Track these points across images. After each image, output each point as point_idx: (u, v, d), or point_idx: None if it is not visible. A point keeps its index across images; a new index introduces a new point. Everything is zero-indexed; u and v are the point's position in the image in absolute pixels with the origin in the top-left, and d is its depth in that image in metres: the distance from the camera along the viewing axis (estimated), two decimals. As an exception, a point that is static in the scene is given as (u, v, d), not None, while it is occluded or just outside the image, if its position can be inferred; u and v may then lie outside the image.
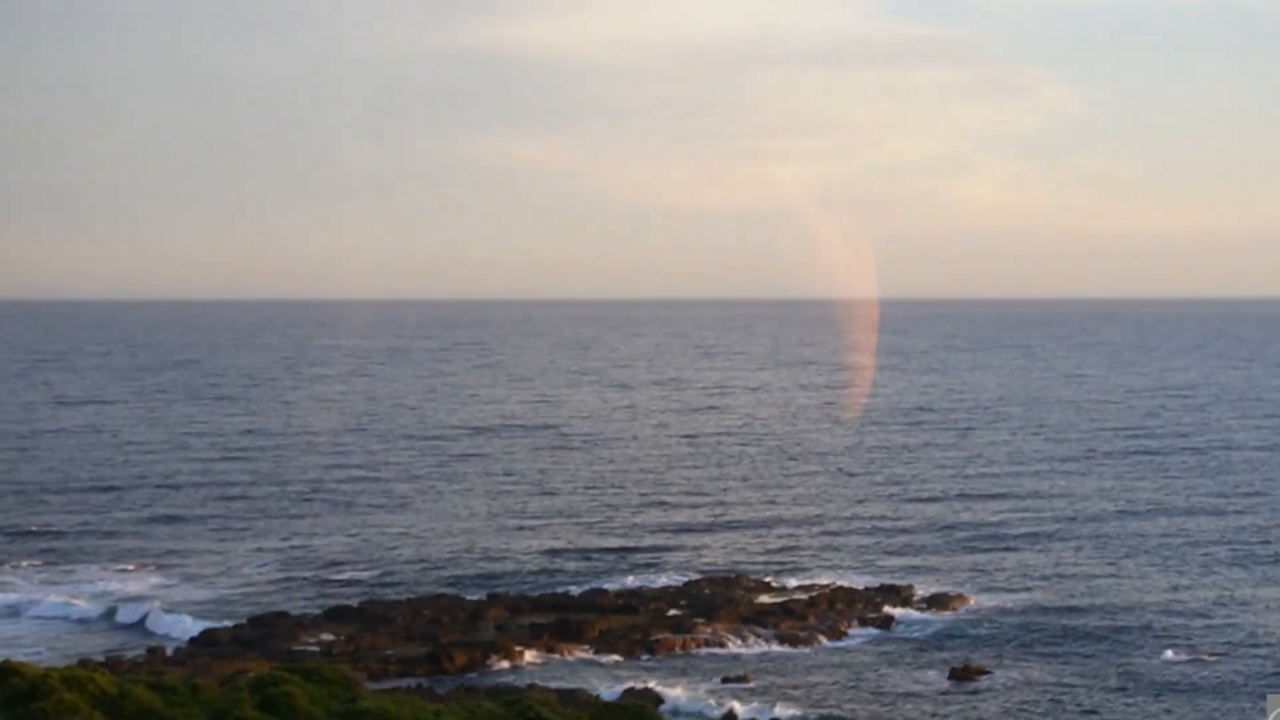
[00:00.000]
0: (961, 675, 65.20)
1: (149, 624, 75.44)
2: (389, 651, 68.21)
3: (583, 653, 69.55)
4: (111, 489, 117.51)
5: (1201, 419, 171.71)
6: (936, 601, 78.09)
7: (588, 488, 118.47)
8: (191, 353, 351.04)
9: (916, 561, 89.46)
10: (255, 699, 31.24)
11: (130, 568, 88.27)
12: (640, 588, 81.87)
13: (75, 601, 79.73)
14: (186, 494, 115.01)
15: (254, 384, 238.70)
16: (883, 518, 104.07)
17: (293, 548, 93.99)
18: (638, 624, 73.15)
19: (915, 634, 72.88)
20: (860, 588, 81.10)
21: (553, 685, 62.27)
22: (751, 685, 63.93)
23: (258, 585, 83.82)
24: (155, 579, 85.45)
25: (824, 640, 71.93)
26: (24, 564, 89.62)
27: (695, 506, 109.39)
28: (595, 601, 77.23)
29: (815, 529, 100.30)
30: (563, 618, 73.52)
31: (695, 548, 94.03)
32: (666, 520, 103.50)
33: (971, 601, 78.61)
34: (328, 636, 70.78)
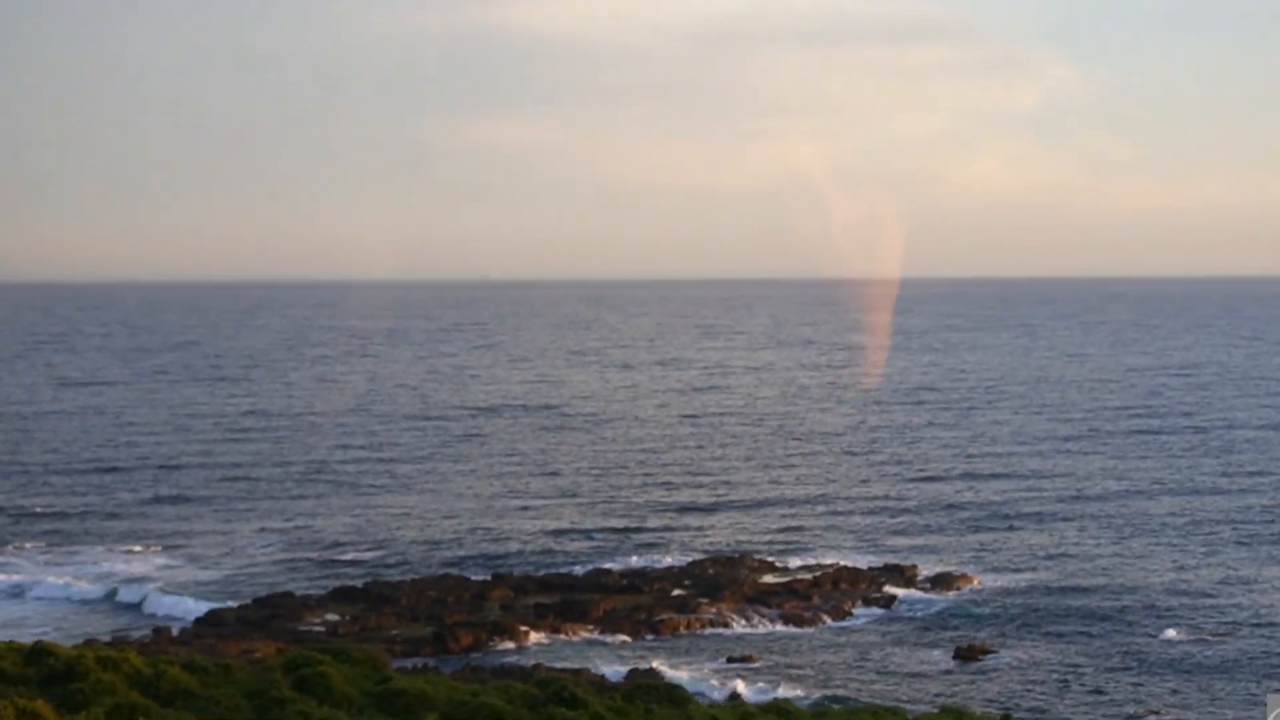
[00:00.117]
0: (966, 655, 65.24)
1: (148, 606, 75.39)
2: (394, 632, 68.26)
3: (587, 633, 69.60)
4: (114, 470, 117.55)
5: (1204, 398, 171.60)
6: (940, 581, 78.09)
7: (590, 468, 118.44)
8: (192, 334, 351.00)
9: (920, 541, 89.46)
10: (289, 679, 31.22)
11: (134, 549, 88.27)
12: (644, 568, 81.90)
13: (76, 583, 79.74)
14: (189, 475, 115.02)
15: (255, 365, 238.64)
16: (886, 497, 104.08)
17: (296, 528, 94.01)
18: (642, 604, 73.19)
19: (919, 613, 72.90)
20: (864, 567, 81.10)
21: (557, 665, 62.27)
22: (756, 665, 63.96)
23: (262, 566, 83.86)
24: (159, 560, 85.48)
25: (828, 620, 71.97)
26: (27, 545, 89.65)
27: (698, 486, 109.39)
28: (599, 582, 77.27)
29: (819, 509, 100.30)
30: (567, 598, 73.55)
31: (699, 528, 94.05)
32: (670, 500, 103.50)
33: (975, 581, 78.62)
34: (333, 617, 70.83)
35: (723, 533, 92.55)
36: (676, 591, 75.99)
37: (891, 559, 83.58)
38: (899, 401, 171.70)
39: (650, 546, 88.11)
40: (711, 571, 79.87)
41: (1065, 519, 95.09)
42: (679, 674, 61.35)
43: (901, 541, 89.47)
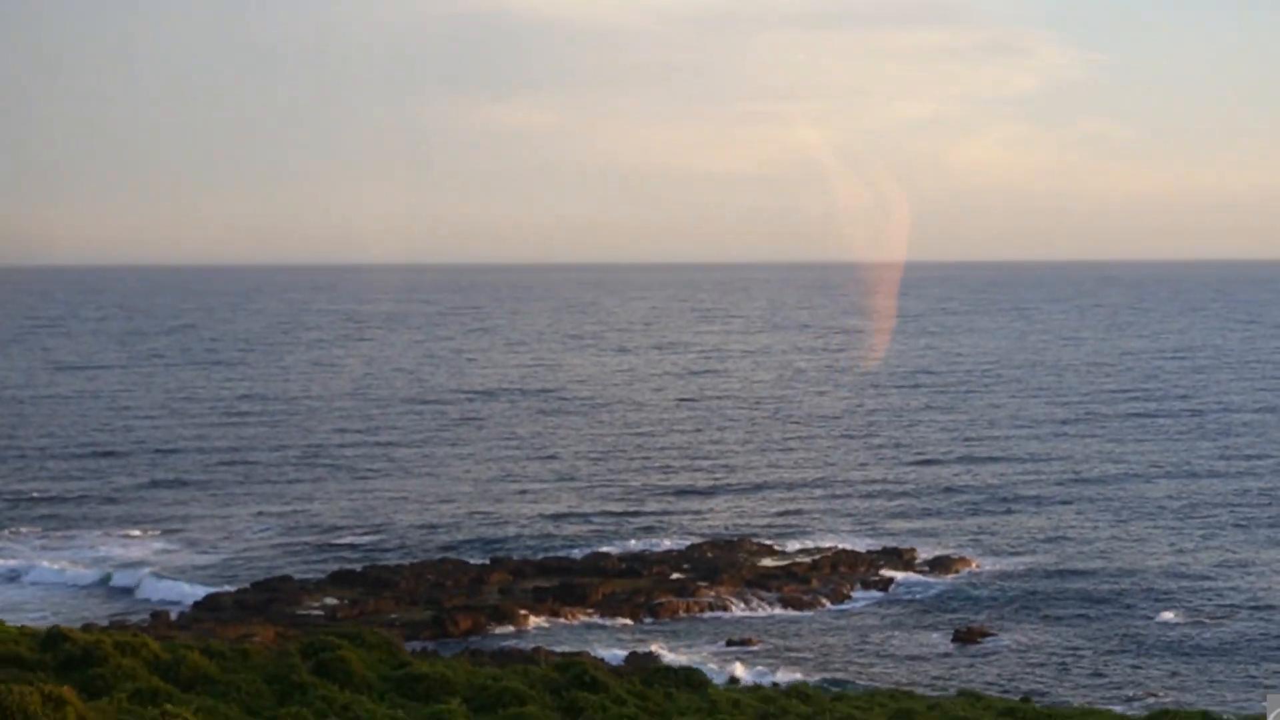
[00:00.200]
0: (965, 638, 65.30)
1: (142, 590, 75.26)
2: (393, 616, 68.24)
3: (586, 616, 69.63)
4: (110, 454, 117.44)
5: (1201, 381, 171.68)
6: (939, 564, 78.13)
7: (588, 452, 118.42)
8: (189, 318, 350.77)
9: (918, 524, 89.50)
10: (309, 664, 31.14)
11: (131, 533, 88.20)
12: (643, 551, 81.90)
13: (72, 567, 79.64)
14: (186, 459, 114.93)
15: (251, 349, 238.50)
16: (884, 480, 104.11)
17: (293, 512, 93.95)
18: (641, 588, 73.20)
19: (918, 596, 72.97)
20: (862, 551, 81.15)
21: (557, 649, 62.28)
22: (755, 648, 64.00)
23: (259, 550, 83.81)
24: (156, 544, 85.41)
25: (827, 603, 72.02)
26: (23, 530, 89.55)
27: (696, 470, 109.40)
28: (598, 565, 77.27)
29: (817, 492, 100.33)
30: (565, 582, 73.54)
31: (697, 511, 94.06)
32: (667, 484, 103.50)
33: (974, 564, 78.67)
34: (331, 601, 70.83)
35: (721, 516, 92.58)
36: (675, 575, 76.00)
37: (890, 542, 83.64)
38: (896, 385, 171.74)
39: (649, 530, 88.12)
40: (710, 555, 79.88)
41: (1063, 502, 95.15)
42: (678, 658, 61.39)
43: (900, 525, 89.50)
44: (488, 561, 78.88)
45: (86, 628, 56.39)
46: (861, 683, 57.66)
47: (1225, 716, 40.95)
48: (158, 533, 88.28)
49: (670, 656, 61.30)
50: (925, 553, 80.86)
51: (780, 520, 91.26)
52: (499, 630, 66.90)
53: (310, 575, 76.52)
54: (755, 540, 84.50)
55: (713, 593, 72.50)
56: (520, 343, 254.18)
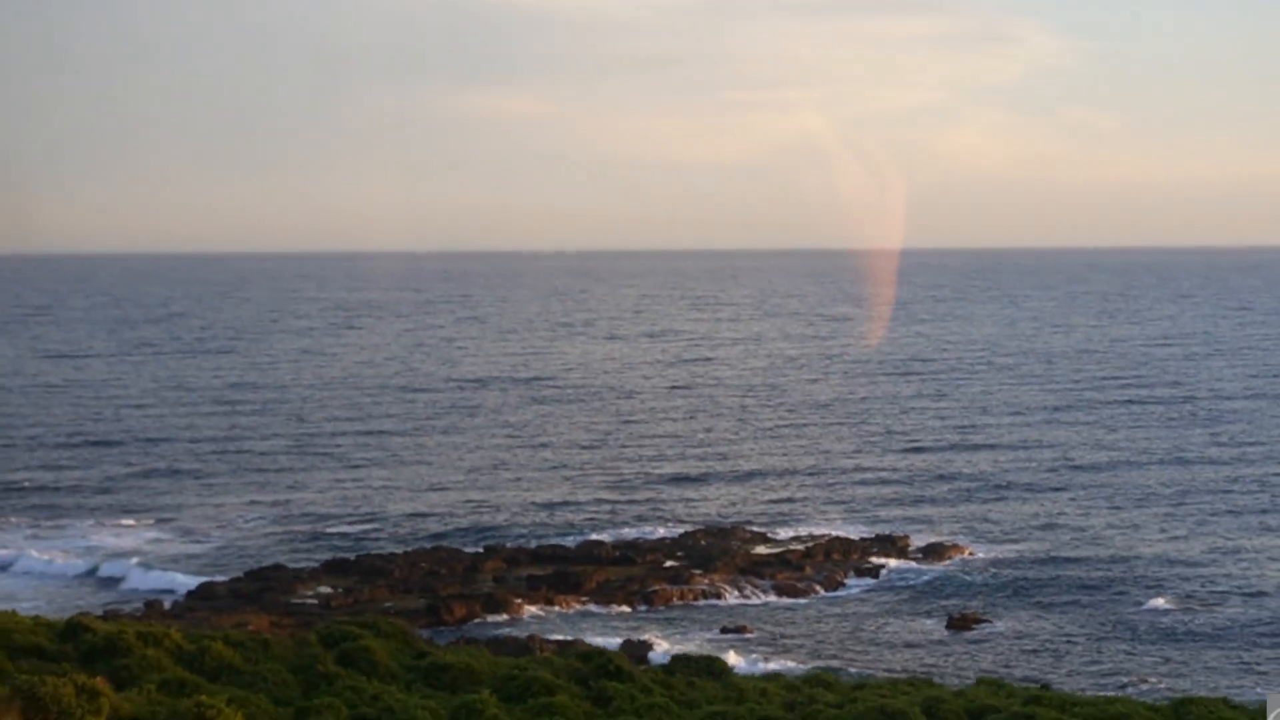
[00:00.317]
0: (959, 624, 65.38)
1: (129, 580, 75.00)
2: (387, 604, 68.14)
3: (580, 605, 69.64)
4: (101, 443, 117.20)
5: (1191, 369, 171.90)
6: (932, 551, 78.19)
7: (581, 439, 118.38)
8: (177, 306, 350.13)
9: (911, 512, 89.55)
10: (332, 654, 31.02)
11: (123, 522, 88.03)
12: (637, 539, 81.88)
13: (61, 557, 79.40)
14: (177, 448, 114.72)
15: (240, 337, 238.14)
16: (876, 468, 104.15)
17: (286, 501, 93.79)
18: (635, 575, 73.22)
19: (911, 583, 73.04)
20: (856, 538, 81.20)
21: (552, 637, 62.30)
22: (750, 636, 64.03)
23: (252, 539, 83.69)
24: (148, 534, 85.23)
25: (821, 591, 72.09)
26: (13, 519, 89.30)
27: (689, 458, 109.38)
28: (592, 553, 77.25)
29: (810, 480, 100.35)
30: (560, 570, 73.55)
31: (690, 499, 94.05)
32: (660, 472, 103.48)
33: (966, 551, 78.74)
34: (325, 589, 70.78)
35: (714, 504, 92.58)
36: (669, 563, 76.02)
37: (883, 529, 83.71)
38: (887, 372, 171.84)
39: (642, 518, 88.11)
40: (704, 543, 79.90)
41: (1055, 489, 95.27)
42: (664, 647, 61.30)
43: (893, 512, 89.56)
44: (481, 550, 78.83)
45: (105, 617, 56.36)
46: (854, 670, 57.66)
47: (1245, 704, 40.89)
48: (151, 521, 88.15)
49: (665, 644, 61.31)
50: (918, 540, 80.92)
51: (773, 508, 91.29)
52: (493, 618, 66.88)
53: (304, 564, 76.45)
54: (749, 528, 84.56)
55: (706, 580, 72.54)
56: (511, 331, 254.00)
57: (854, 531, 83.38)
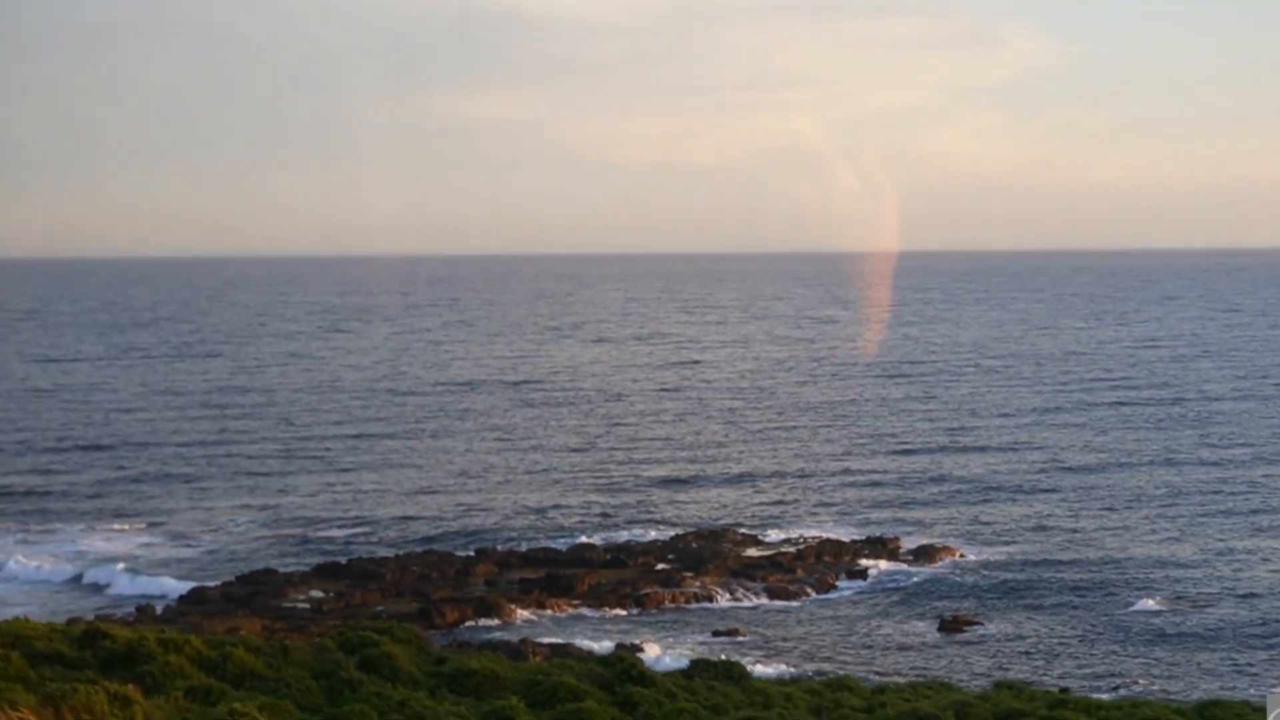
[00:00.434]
0: (951, 627, 65.42)
1: (115, 586, 74.75)
2: (379, 608, 68.10)
3: (572, 608, 69.56)
4: (90, 447, 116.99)
5: (1179, 370, 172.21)
6: (923, 554, 78.23)
7: (570, 442, 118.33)
8: (164, 310, 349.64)
9: (902, 514, 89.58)
10: (353, 660, 30.83)
11: (113, 527, 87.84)
12: (628, 542, 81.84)
13: (48, 562, 79.16)
14: (166, 452, 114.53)
15: (230, 342, 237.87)
16: (866, 470, 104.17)
17: (276, 505, 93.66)
18: (626, 578, 73.22)
19: (903, 586, 73.03)
20: (847, 540, 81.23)
21: (544, 640, 62.28)
22: (742, 639, 64.02)
23: (243, 543, 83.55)
24: (139, 538, 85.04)
25: (812, 593, 72.09)
26: (2, 524, 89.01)
27: (678, 461, 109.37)
28: (583, 556, 77.22)
29: (800, 482, 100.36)
30: (551, 573, 73.51)
31: (680, 502, 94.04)
32: (651, 474, 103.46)
33: (957, 553, 78.78)
34: (317, 593, 70.69)
35: (705, 507, 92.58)
36: (660, 566, 76.01)
37: (874, 532, 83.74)
38: (876, 375, 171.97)
39: (633, 521, 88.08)
40: (695, 545, 79.92)
41: (1046, 491, 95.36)
42: (654, 652, 61.24)
43: (883, 514, 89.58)
44: (473, 553, 78.77)
45: (71, 621, 56.26)
46: (846, 671, 57.63)
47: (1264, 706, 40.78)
48: (141, 526, 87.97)
49: (657, 648, 61.30)
50: (909, 542, 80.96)
51: (764, 510, 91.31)
52: (485, 622, 66.82)
53: (295, 568, 76.34)
54: (739, 530, 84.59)
55: (698, 583, 72.54)
56: (498, 334, 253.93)
57: (845, 534, 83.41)
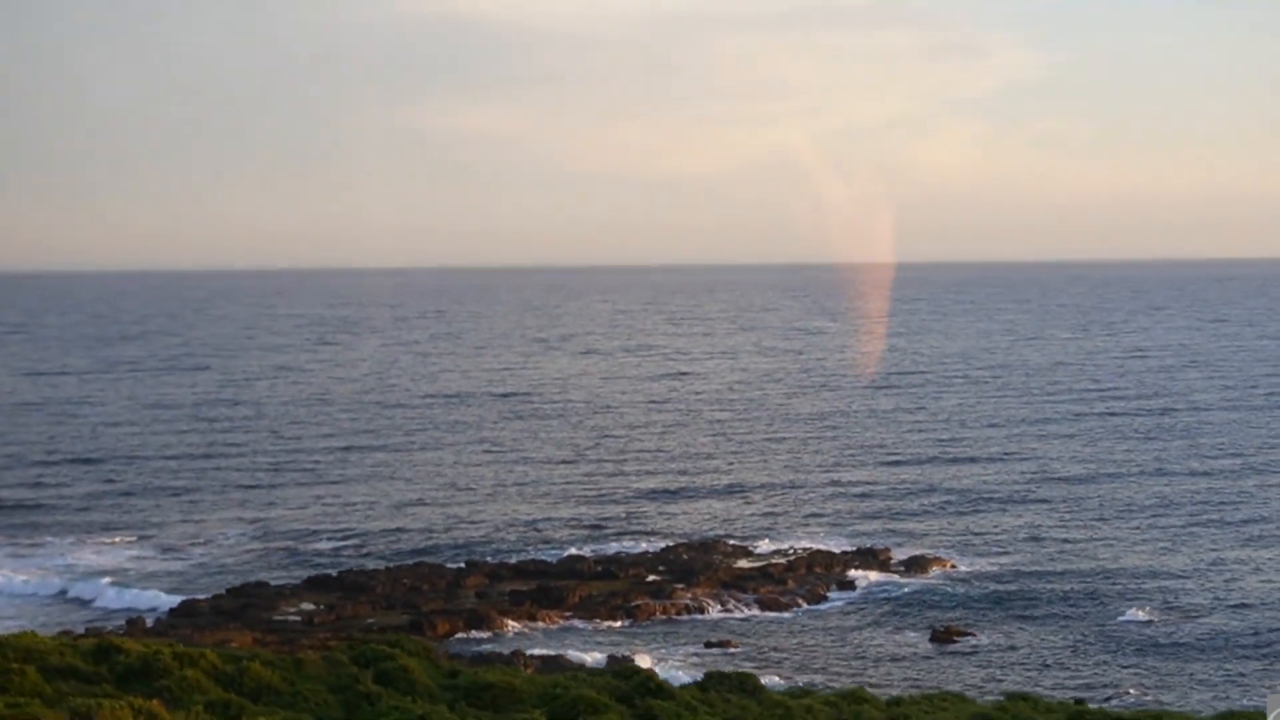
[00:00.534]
0: (943, 637, 65.43)
1: (101, 600, 74.49)
2: (370, 620, 68.00)
3: (564, 619, 69.49)
4: (79, 461, 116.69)
5: (1168, 381, 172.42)
6: (914, 565, 78.23)
7: (559, 454, 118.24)
8: (152, 323, 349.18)
9: (892, 525, 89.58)
10: (369, 673, 30.65)
11: (104, 540, 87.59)
12: (619, 554, 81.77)
13: (35, 576, 78.81)
14: (155, 465, 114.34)
15: (218, 354, 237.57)
16: (856, 481, 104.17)
17: (265, 518, 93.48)
18: (618, 590, 73.16)
19: (894, 597, 73.01)
20: (838, 552, 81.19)
21: (536, 652, 62.23)
22: (734, 650, 63.95)
23: (233, 556, 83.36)
24: (128, 551, 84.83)
25: (804, 604, 72.06)
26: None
27: (668, 472, 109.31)
28: (574, 568, 77.15)
29: (790, 493, 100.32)
30: (542, 584, 73.43)
31: (671, 513, 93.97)
32: (641, 486, 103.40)
33: (948, 564, 78.78)
34: (308, 606, 70.55)
35: (695, 518, 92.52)
36: (651, 577, 75.96)
37: (864, 542, 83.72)
38: (864, 386, 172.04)
39: (623, 533, 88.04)
40: (686, 557, 79.85)
41: (1036, 501, 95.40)
42: (645, 664, 61.18)
43: (873, 525, 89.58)
44: (463, 565, 78.67)
45: (63, 633, 56.05)
46: (839, 684, 57.62)
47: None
48: (132, 539, 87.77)
49: (649, 659, 61.22)
50: (899, 553, 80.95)
51: (754, 521, 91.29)
52: (477, 634, 66.71)
53: (285, 580, 76.19)
54: (730, 541, 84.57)
55: (689, 594, 72.48)
56: (486, 346, 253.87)
57: (835, 545, 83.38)
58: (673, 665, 60.44)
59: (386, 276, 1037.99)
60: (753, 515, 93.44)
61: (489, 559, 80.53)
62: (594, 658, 61.64)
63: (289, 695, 28.89)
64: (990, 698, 50.57)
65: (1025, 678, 59.83)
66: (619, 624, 68.95)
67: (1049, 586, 73.75)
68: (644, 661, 60.58)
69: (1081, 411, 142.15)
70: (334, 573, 76.67)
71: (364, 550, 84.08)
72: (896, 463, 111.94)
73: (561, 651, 62.71)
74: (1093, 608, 70.04)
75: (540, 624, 68.75)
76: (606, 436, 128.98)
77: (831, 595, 73.80)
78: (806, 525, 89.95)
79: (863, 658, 63.08)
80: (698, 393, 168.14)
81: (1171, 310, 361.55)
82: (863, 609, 71.35)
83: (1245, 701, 53.95)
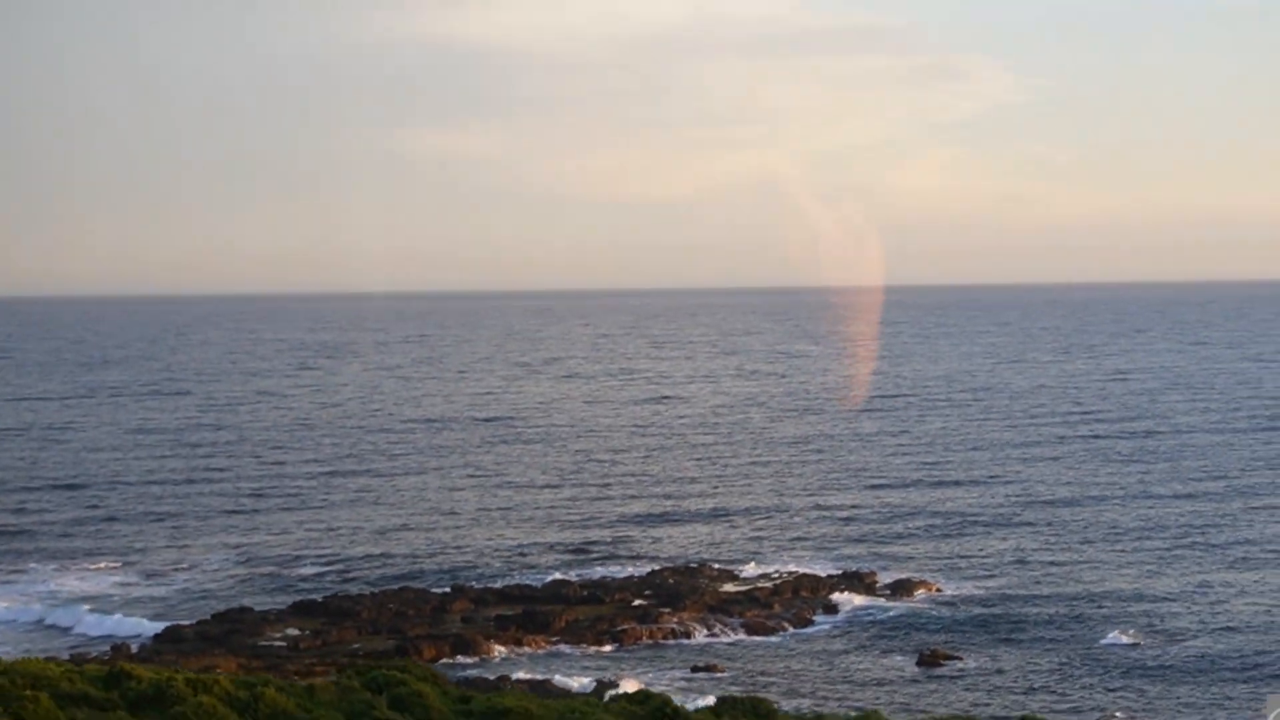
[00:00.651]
0: (929, 661, 65.38)
1: (80, 628, 74.06)
2: (355, 645, 67.86)
3: (549, 644, 69.32)
4: (61, 486, 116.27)
5: (1150, 404, 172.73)
6: (900, 588, 78.23)
7: (543, 479, 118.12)
8: (136, 348, 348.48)
9: (877, 549, 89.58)
10: (383, 699, 30.43)
11: (86, 566, 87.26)
12: (604, 578, 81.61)
13: (16, 602, 78.41)
14: (138, 490, 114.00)
15: (200, 379, 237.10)
16: (841, 505, 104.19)
17: (249, 543, 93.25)
18: (604, 615, 73.06)
19: (881, 620, 72.97)
20: (823, 575, 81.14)
21: (523, 676, 62.10)
22: (721, 674, 63.84)
23: (218, 581, 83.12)
24: (112, 577, 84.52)
25: (790, 628, 71.99)
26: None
27: (652, 496, 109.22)
28: (560, 593, 77.01)
29: (774, 517, 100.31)
30: (528, 609, 73.28)
31: (656, 538, 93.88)
32: (625, 510, 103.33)
33: (934, 588, 78.79)
34: (293, 631, 70.33)
35: (680, 542, 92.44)
36: (637, 601, 75.84)
37: (849, 566, 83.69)
38: (848, 409, 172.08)
39: (608, 557, 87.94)
40: (671, 581, 79.76)
41: (1020, 524, 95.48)
42: (627, 687, 61.02)
43: (859, 549, 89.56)
44: (449, 590, 78.51)
45: (48, 660, 55.76)
46: (830, 708, 57.58)
47: None
48: (116, 565, 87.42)
49: (637, 684, 61.06)
50: (885, 576, 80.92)
51: (739, 545, 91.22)
52: (463, 659, 66.55)
53: (270, 606, 75.97)
54: (716, 565, 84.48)
55: (675, 619, 72.36)
56: (469, 370, 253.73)
57: (821, 568, 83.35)
58: (661, 690, 60.24)
59: (371, 301, 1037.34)
60: (737, 539, 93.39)
61: (474, 584, 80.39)
62: (581, 682, 61.57)
63: None
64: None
65: (1013, 701, 59.83)
66: (605, 649, 68.83)
67: (1035, 610, 73.78)
68: (631, 686, 60.51)
69: (1065, 434, 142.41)
70: (319, 598, 76.47)
71: (348, 575, 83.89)
72: (881, 486, 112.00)
73: (548, 676, 62.59)
74: (1079, 631, 70.06)
75: (526, 649, 68.59)
76: (590, 460, 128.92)
77: (818, 619, 73.74)
78: (792, 549, 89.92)
79: (851, 681, 63.02)
80: (681, 416, 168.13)
81: (1153, 333, 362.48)
82: (849, 633, 71.30)
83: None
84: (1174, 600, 75.24)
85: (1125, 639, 68.16)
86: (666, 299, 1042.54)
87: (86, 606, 76.75)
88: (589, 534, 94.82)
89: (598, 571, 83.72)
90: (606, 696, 48.98)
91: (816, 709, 57.14)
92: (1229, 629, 69.77)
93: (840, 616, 74.08)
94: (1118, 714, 58.02)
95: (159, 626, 71.93)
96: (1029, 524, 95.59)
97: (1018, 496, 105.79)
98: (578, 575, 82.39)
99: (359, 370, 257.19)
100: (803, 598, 76.73)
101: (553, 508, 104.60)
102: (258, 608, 75.19)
